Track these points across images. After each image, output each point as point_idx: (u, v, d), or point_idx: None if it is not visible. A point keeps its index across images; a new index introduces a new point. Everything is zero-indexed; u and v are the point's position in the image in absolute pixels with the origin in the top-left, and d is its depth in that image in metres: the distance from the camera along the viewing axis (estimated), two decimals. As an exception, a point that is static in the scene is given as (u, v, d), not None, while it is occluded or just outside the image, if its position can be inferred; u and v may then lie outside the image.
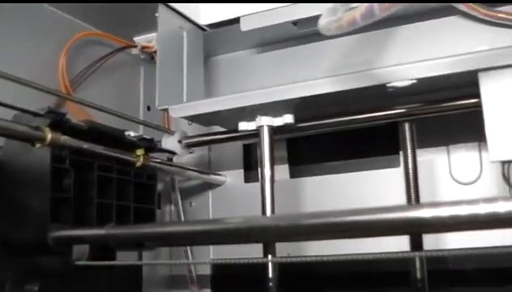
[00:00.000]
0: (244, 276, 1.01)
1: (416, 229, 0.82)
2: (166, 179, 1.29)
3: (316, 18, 0.69)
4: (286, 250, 1.09)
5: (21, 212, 0.91)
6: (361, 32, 1.08)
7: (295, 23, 1.08)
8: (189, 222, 1.15)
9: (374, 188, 1.13)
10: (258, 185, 0.99)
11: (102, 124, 1.02)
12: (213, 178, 1.28)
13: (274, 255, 0.93)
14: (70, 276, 0.94)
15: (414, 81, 0.84)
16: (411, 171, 0.96)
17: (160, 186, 1.21)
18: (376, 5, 0.58)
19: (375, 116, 0.98)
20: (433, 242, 0.98)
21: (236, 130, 1.01)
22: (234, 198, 1.26)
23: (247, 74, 1.23)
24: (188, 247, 1.24)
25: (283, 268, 0.95)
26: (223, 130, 1.11)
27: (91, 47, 1.24)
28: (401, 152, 1.01)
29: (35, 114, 0.89)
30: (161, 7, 1.06)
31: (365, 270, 1.06)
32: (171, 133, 1.17)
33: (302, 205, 1.20)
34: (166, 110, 1.02)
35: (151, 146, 1.07)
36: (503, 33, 1.00)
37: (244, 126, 0.99)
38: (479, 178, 1.07)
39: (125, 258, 1.05)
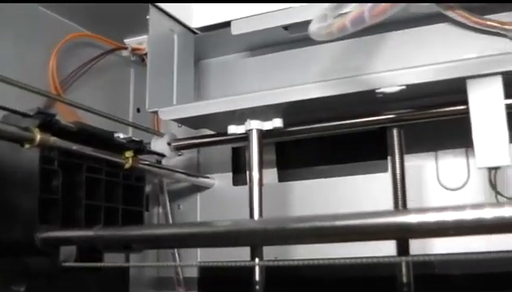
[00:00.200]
0: (231, 279, 1.01)
1: (402, 235, 0.82)
2: (154, 181, 1.29)
3: (307, 23, 0.69)
4: (273, 253, 1.09)
5: (9, 212, 0.91)
6: (352, 37, 1.09)
7: (286, 27, 1.08)
8: (177, 225, 1.16)
9: (362, 193, 1.13)
10: (246, 188, 0.99)
11: (91, 126, 1.02)
12: (201, 180, 1.28)
13: (261, 258, 0.92)
14: (57, 278, 0.94)
15: (403, 87, 0.84)
16: (398, 176, 0.96)
17: (148, 189, 1.21)
18: (366, 11, 0.59)
19: (364, 121, 0.99)
20: (420, 247, 0.99)
21: (226, 134, 1.01)
22: (222, 201, 1.26)
23: (238, 77, 1.24)
24: (175, 250, 1.24)
25: (270, 272, 0.95)
26: (212, 133, 1.11)
27: (82, 48, 1.23)
28: (389, 158, 1.02)
29: (24, 115, 0.89)
30: (152, 10, 1.06)
31: (352, 274, 1.06)
32: (160, 135, 1.18)
33: (290, 209, 1.20)
34: (156, 113, 1.02)
35: (140, 148, 1.07)
36: (492, 41, 1.01)
37: (233, 129, 0.99)
38: (466, 183, 1.08)
39: (112, 260, 1.06)
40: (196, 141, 1.16)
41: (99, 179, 1.01)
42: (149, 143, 1.14)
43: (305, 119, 1.03)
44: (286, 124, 0.99)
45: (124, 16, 1.20)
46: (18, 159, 0.91)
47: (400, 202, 0.96)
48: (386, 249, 0.92)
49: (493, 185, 0.90)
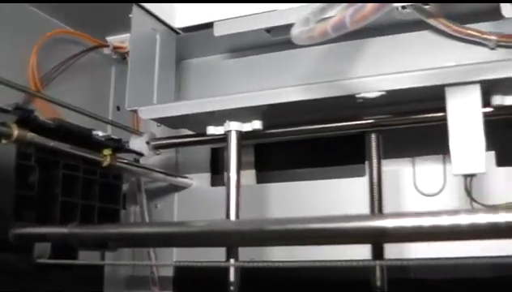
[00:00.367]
0: (206, 279, 1.01)
1: (378, 239, 0.82)
2: (132, 180, 1.28)
3: (289, 26, 0.69)
4: (250, 254, 1.09)
5: (-17, 207, 0.90)
6: (334, 42, 1.10)
7: (268, 30, 1.09)
8: (152, 224, 1.15)
9: (340, 197, 1.13)
10: (224, 189, 0.99)
11: (70, 123, 1.02)
12: (179, 180, 1.28)
13: (236, 259, 0.93)
14: (30, 275, 0.93)
15: (383, 93, 0.85)
16: (375, 181, 0.97)
17: (125, 187, 1.21)
18: (347, 17, 0.59)
19: (343, 125, 0.99)
20: (396, 251, 1.00)
21: (205, 134, 1.01)
22: (200, 201, 1.25)
23: (219, 78, 1.24)
24: (151, 249, 1.23)
25: (245, 273, 0.95)
26: (191, 133, 1.11)
27: (64, 45, 1.23)
28: (367, 162, 1.02)
29: (2, 110, 0.89)
30: (135, 8, 1.06)
31: (328, 277, 1.07)
32: (139, 134, 1.18)
33: (268, 211, 1.20)
34: (135, 111, 1.02)
35: (118, 146, 1.07)
36: (472, 50, 1.03)
37: (212, 130, 1.00)
38: (442, 190, 1.09)
39: (88, 258, 1.05)
40: (175, 141, 1.16)
41: (76, 176, 1.00)
42: (128, 142, 1.14)
43: (286, 122, 1.03)
44: (266, 126, 0.99)
45: (107, 14, 1.20)
46: (-6, 154, 0.90)
47: (376, 206, 0.96)
48: (361, 253, 0.93)
49: (469, 192, 0.90)
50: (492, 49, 1.02)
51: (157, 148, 1.15)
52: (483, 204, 0.97)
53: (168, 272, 1.26)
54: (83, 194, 1.01)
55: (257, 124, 0.97)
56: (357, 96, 0.86)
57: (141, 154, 1.15)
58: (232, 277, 0.93)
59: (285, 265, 0.87)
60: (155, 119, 1.02)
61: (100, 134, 1.04)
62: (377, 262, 0.92)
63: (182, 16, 1.14)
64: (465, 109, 0.80)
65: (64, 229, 0.86)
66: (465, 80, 0.80)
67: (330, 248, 0.89)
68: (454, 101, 0.81)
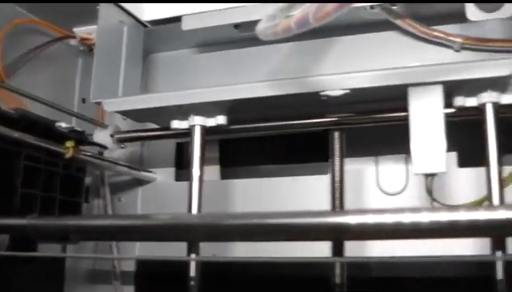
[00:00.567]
0: (168, 274, 1.00)
1: (340, 236, 0.83)
2: (96, 173, 1.28)
3: (257, 22, 0.70)
4: (212, 250, 1.09)
5: None
6: (304, 39, 1.11)
7: (236, 26, 1.09)
8: (111, 216, 1.14)
9: (304, 194, 1.14)
10: (188, 184, 0.99)
11: (32, 113, 1.01)
12: (143, 174, 1.27)
13: (197, 253, 0.93)
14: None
15: (347, 91, 0.86)
16: (337, 179, 0.98)
17: (89, 180, 1.20)
18: (310, 14, 0.59)
19: (307, 123, 1.00)
20: (357, 248, 1.00)
21: (169, 128, 1.01)
22: (164, 196, 1.25)
23: (187, 73, 1.23)
24: (114, 242, 1.23)
25: (207, 268, 0.95)
26: (156, 127, 1.11)
27: (29, 35, 1.21)
28: (330, 160, 1.03)
29: (-39, 99, 0.88)
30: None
31: (289, 273, 1.07)
32: (104, 127, 1.17)
33: (231, 207, 1.20)
34: (100, 104, 1.01)
35: (81, 138, 1.06)
36: (438, 51, 1.03)
37: (176, 124, 0.99)
38: (404, 189, 1.10)
39: (49, 251, 1.05)
40: (139, 134, 1.15)
41: (37, 168, 0.99)
42: (92, 135, 1.13)
43: (251, 118, 1.03)
44: (230, 122, 0.99)
45: (74, 5, 1.19)
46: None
47: (338, 204, 0.97)
48: (323, 249, 0.94)
49: (430, 191, 0.91)
50: (457, 51, 1.03)
51: (121, 141, 1.14)
52: (444, 204, 0.99)
53: (130, 267, 1.25)
54: (45, 186, 1.00)
55: (221, 119, 0.97)
56: (321, 93, 0.87)
57: (105, 147, 1.14)
58: (192, 272, 0.93)
59: (245, 260, 0.87)
60: (119, 112, 1.01)
61: (64, 125, 1.03)
62: (337, 259, 0.93)
63: (150, 9, 1.13)
64: (427, 109, 0.81)
65: (23, 221, 0.86)
66: (427, 81, 0.81)
67: (293, 244, 0.90)
68: (417, 101, 0.82)
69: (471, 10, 0.88)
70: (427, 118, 0.81)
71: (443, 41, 1.03)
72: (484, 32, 1.00)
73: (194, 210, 0.95)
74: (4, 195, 0.93)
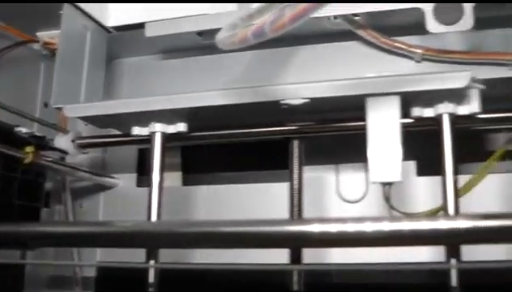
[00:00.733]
0: (128, 280, 1.00)
1: (302, 244, 0.84)
2: (57, 178, 1.27)
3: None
4: (173, 256, 1.08)
5: None
6: (266, 48, 1.12)
7: (200, 33, 1.09)
8: (68, 223, 1.14)
9: (265, 201, 1.15)
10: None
11: (-9, 117, 1.00)
12: (105, 180, 1.26)
13: (156, 260, 0.93)
14: None
15: (307, 100, 0.87)
16: (296, 187, 0.99)
17: (50, 186, 1.20)
18: (267, 25, 0.60)
19: (266, 131, 1.01)
20: (317, 255, 1.01)
21: (130, 135, 1.01)
22: (126, 202, 1.25)
23: (151, 79, 1.24)
24: (74, 248, 1.22)
25: (167, 275, 0.95)
26: (118, 133, 1.11)
27: (-10, 38, 1.20)
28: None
29: None
30: (66, 5, 1.05)
31: (248, 281, 1.07)
32: (66, 132, 1.16)
33: (193, 213, 1.20)
34: (61, 109, 1.00)
35: (42, 143, 1.06)
36: (399, 62, 1.05)
37: (137, 131, 0.99)
38: (364, 197, 1.11)
39: (8, 258, 1.03)
40: (100, 140, 1.15)
41: (-5, 173, 0.99)
42: (53, 140, 1.12)
43: (213, 125, 1.04)
44: (192, 129, 0.99)
45: (38, 9, 1.18)
46: None
47: (296, 212, 0.98)
48: (282, 256, 0.94)
49: (387, 199, 0.92)
50: (418, 62, 1.04)
51: (82, 146, 1.14)
52: (403, 212, 1.00)
53: (91, 273, 1.25)
54: (2, 191, 0.99)
55: (181, 127, 0.97)
56: (282, 102, 0.88)
57: (65, 152, 1.13)
58: (151, 278, 0.93)
59: (203, 268, 0.88)
60: (80, 118, 1.01)
61: (24, 130, 1.03)
62: (296, 267, 0.94)
63: (115, 15, 1.13)
64: (384, 119, 0.83)
65: (-21, 227, 0.85)
66: (385, 91, 0.83)
67: (252, 251, 0.91)
68: (374, 111, 0.83)
69: (431, 23, 0.89)
70: (384, 127, 0.83)
71: (404, 52, 1.05)
72: (445, 44, 1.02)
73: (154, 216, 0.95)
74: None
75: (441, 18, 0.88)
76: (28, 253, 1.12)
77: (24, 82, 1.30)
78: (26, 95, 1.29)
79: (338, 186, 1.13)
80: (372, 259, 0.95)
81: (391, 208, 1.00)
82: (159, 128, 0.97)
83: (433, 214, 0.99)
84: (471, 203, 0.95)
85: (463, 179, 0.99)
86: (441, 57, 1.02)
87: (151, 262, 0.93)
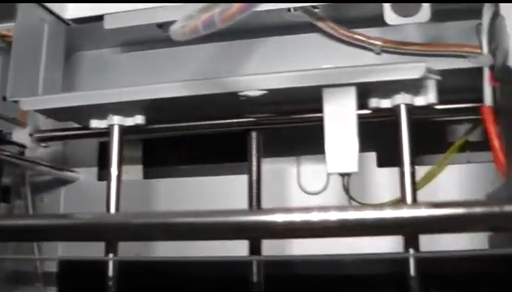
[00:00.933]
0: (90, 274, 0.99)
1: (267, 234, 0.83)
2: (16, 173, 1.25)
3: (180, 22, 0.70)
4: (134, 251, 1.08)
5: None
6: (227, 40, 1.11)
7: (160, 25, 1.08)
8: (26, 216, 1.12)
9: (224, 194, 1.14)
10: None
11: None
12: (66, 174, 1.25)
13: (115, 253, 0.93)
14: None
15: (265, 92, 0.87)
16: (254, 178, 0.99)
17: (10, 180, 1.18)
18: (216, 15, 0.60)
19: (224, 123, 1.01)
20: (278, 247, 1.01)
21: (89, 128, 1.00)
22: (87, 195, 1.23)
23: (111, 73, 1.22)
24: (35, 243, 1.20)
25: (127, 269, 0.94)
26: (77, 126, 1.09)
27: None
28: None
29: None
30: (24, -3, 1.04)
31: (209, 273, 1.07)
32: (24, 126, 1.15)
33: (154, 206, 1.20)
34: (17, 102, 0.99)
35: (-2, 137, 1.04)
36: (358, 54, 1.05)
37: (95, 123, 0.99)
38: (325, 188, 1.12)
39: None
40: (59, 133, 1.14)
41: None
42: (11, 133, 1.11)
43: (173, 118, 1.03)
44: (151, 121, 0.99)
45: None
46: None
47: (255, 204, 0.98)
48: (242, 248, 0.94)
49: (347, 190, 0.93)
50: (378, 54, 1.05)
51: (41, 140, 1.13)
52: (363, 204, 1.01)
53: (53, 268, 1.23)
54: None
55: (139, 119, 0.97)
56: (240, 94, 0.87)
57: (24, 146, 1.12)
58: (110, 272, 0.93)
59: (162, 260, 0.88)
60: (37, 111, 1.00)
61: (-20, 125, 1.01)
62: (255, 257, 0.94)
63: (73, 7, 1.12)
64: (340, 110, 0.83)
65: None
66: (341, 82, 0.83)
67: (213, 246, 0.90)
68: (331, 102, 0.84)
69: (389, 15, 0.90)
70: (341, 118, 0.83)
71: (364, 44, 1.05)
72: (405, 36, 1.02)
73: (113, 209, 0.95)
74: None
75: (399, 10, 0.89)
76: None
77: (-18, 75, 1.28)
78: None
79: (299, 178, 1.13)
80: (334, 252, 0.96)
81: (351, 198, 1.01)
82: (117, 121, 0.96)
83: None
84: (431, 194, 0.96)
85: (425, 170, 1.00)
86: (401, 49, 1.02)
87: (110, 255, 0.92)
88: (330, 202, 1.09)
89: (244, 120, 0.99)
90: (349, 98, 0.83)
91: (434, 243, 0.85)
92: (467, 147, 1.05)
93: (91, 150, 1.27)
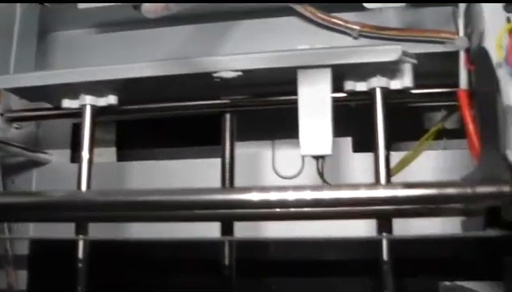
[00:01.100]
0: (62, 257, 0.98)
1: (243, 215, 0.82)
2: (-14, 153, 1.23)
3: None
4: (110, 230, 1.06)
5: None
6: (203, 22, 1.10)
7: (135, 6, 1.07)
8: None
9: (198, 177, 1.13)
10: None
11: None
12: (38, 155, 1.23)
13: (85, 233, 0.92)
14: None
15: (239, 73, 0.86)
16: (227, 161, 0.98)
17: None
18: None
19: (199, 104, 1.00)
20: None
21: (61, 108, 0.98)
22: (59, 177, 1.21)
23: (85, 53, 1.21)
24: (5, 224, 1.19)
25: (98, 251, 0.93)
26: (49, 106, 1.07)
27: None
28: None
29: None
30: (-6, -25, 1.02)
31: (180, 255, 1.07)
32: (-5, 107, 1.13)
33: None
34: (-13, 81, 0.98)
35: (-33, 118, 1.02)
36: (336, 38, 1.05)
37: (67, 103, 0.97)
38: (300, 173, 1.11)
39: None
40: (31, 113, 1.11)
41: None
42: (-18, 114, 1.09)
43: (148, 99, 1.02)
44: (125, 102, 0.97)
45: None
46: None
47: (228, 186, 0.97)
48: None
49: (321, 174, 0.92)
50: (356, 38, 1.04)
51: (12, 120, 1.11)
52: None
53: (24, 250, 1.22)
54: None
55: (112, 99, 0.95)
56: (214, 75, 0.86)
57: (-7, 127, 1.10)
58: (80, 253, 0.92)
59: (132, 240, 0.87)
60: (8, 90, 0.98)
61: None
62: (228, 238, 0.93)
63: (47, -13, 1.11)
64: (315, 92, 0.82)
65: None
66: (316, 64, 0.82)
67: (185, 228, 0.89)
68: (305, 84, 0.83)
69: (367, -1, 0.89)
70: (315, 101, 0.82)
71: (342, 28, 1.05)
72: (383, 22, 1.02)
73: (84, 188, 0.94)
74: None
75: (376, -6, 0.89)
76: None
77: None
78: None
79: (274, 162, 1.13)
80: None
81: (325, 182, 1.00)
82: (89, 101, 0.95)
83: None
84: (405, 179, 0.95)
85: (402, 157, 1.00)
86: (378, 33, 1.02)
87: (80, 236, 0.91)
88: (305, 186, 1.09)
89: (218, 102, 0.98)
90: (324, 80, 0.82)
91: (407, 229, 0.85)
92: (444, 134, 1.05)
93: (64, 132, 1.25)
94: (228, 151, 0.98)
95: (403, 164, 1.00)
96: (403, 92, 0.87)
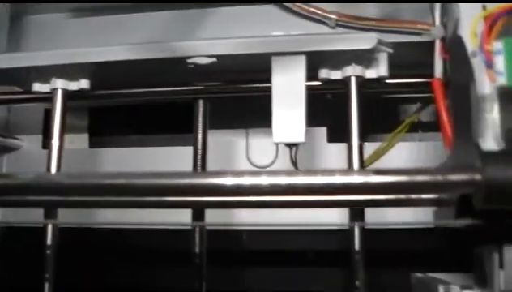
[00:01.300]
0: (29, 245, 0.96)
1: (215, 202, 0.80)
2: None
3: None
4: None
5: None
6: (180, 8, 1.09)
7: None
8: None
9: (170, 165, 1.11)
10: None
11: None
12: (8, 141, 1.21)
13: (54, 218, 0.90)
14: None
15: (214, 59, 0.85)
16: (199, 148, 0.97)
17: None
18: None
19: (171, 90, 0.98)
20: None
21: (32, 92, 0.96)
22: (30, 164, 1.19)
23: (59, 38, 1.18)
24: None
25: (67, 238, 0.92)
26: (19, 90, 1.05)
27: None
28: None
29: None
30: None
31: (152, 242, 1.06)
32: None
33: (99, 175, 1.16)
34: (-46, 65, 0.95)
35: None
36: (314, 27, 1.04)
37: (37, 87, 0.95)
38: (274, 162, 1.10)
39: None
40: (0, 97, 1.10)
41: None
42: None
43: (121, 85, 1.00)
44: (97, 87, 0.96)
45: None
46: None
47: (199, 174, 0.96)
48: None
49: (294, 163, 0.92)
50: (333, 28, 1.03)
51: (-23, 104, 1.09)
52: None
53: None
54: None
55: (84, 83, 0.93)
56: (188, 61, 0.85)
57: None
58: (49, 240, 0.90)
59: (99, 226, 0.86)
60: (-27, 73, 0.96)
61: None
62: (198, 223, 0.92)
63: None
64: (289, 79, 0.82)
65: None
66: (290, 50, 0.81)
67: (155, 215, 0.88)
68: (279, 71, 0.82)
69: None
70: (289, 88, 0.82)
71: (319, 17, 1.04)
72: (361, 12, 1.01)
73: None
74: None
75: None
76: None
77: None
78: None
79: (248, 150, 1.12)
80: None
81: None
82: (60, 84, 0.93)
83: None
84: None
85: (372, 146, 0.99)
86: (356, 23, 1.01)
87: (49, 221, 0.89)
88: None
89: (191, 88, 0.97)
90: (298, 67, 0.82)
91: (379, 219, 0.85)
92: (419, 127, 1.05)
93: (36, 117, 1.23)
94: (200, 138, 0.97)
95: (377, 155, 0.99)
96: (379, 81, 0.86)
